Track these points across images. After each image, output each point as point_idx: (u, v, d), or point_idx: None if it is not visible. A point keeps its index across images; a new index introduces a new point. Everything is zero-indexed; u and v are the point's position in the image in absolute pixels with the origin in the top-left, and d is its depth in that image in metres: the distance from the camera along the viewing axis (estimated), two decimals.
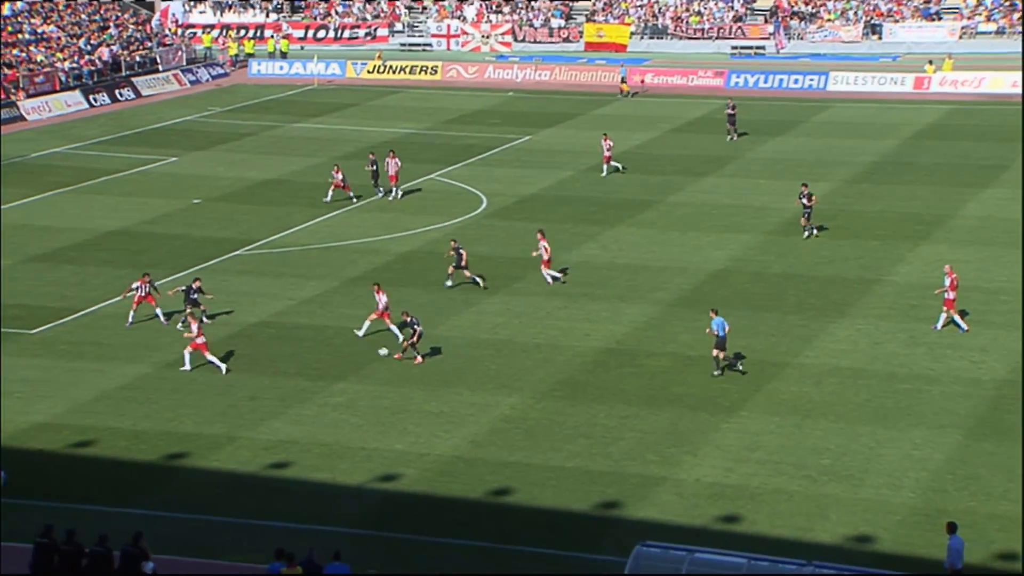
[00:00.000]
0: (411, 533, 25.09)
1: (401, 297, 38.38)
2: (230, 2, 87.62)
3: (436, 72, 77.27)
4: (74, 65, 70.30)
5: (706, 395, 31.17)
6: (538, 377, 32.32)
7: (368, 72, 77.78)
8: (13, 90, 65.60)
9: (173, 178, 52.56)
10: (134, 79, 71.97)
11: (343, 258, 42.26)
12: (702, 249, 42.49)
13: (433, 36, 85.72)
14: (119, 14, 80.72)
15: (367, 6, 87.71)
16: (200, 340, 32.30)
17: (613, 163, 52.30)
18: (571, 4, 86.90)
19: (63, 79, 68.61)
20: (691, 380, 32.06)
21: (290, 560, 21.99)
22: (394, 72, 77.55)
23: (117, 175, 52.98)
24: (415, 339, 32.92)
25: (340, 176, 48.05)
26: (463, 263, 38.59)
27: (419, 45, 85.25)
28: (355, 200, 47.45)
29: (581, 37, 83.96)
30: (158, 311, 35.85)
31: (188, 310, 34.53)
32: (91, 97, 68.26)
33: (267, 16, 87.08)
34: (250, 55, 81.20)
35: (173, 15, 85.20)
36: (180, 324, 35.15)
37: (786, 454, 28.05)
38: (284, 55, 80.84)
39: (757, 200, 48.69)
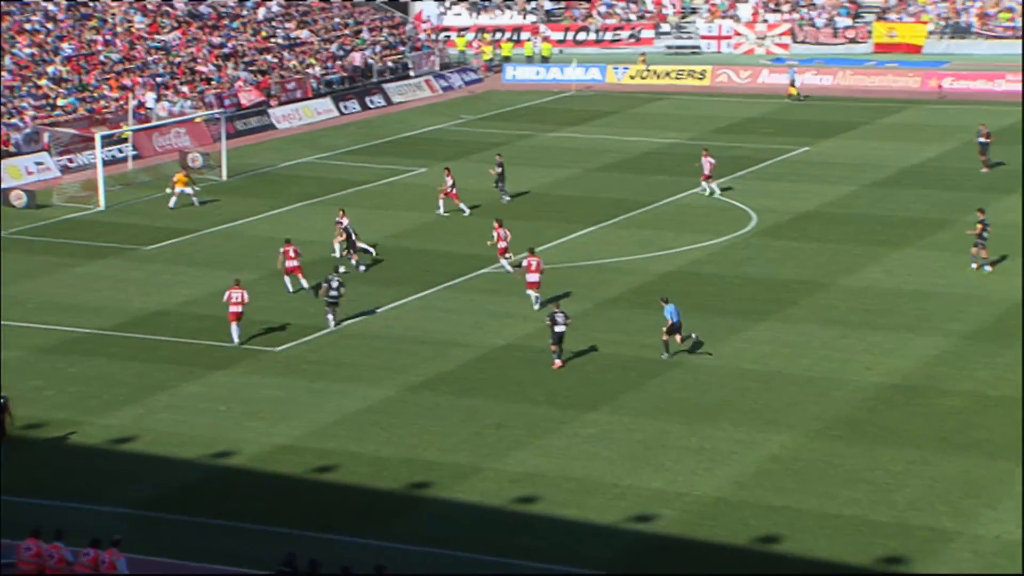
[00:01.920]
0: None
1: (658, 320, 38.32)
2: (486, 3, 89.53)
3: (704, 77, 76.88)
4: (325, 71, 73.31)
5: (1007, 440, 29.78)
6: (811, 414, 31.61)
7: (630, 77, 78.08)
8: (265, 98, 68.90)
9: (421, 190, 54.07)
10: (385, 85, 74.51)
11: (596, 278, 42.50)
12: (1008, 275, 40.69)
13: (703, 37, 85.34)
14: (373, 17, 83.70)
15: (631, 6, 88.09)
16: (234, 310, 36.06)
17: (711, 184, 51.23)
18: (859, 1, 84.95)
19: (314, 86, 71.65)
20: (990, 423, 30.70)
21: None
22: (658, 77, 77.58)
23: (364, 186, 54.90)
24: (556, 342, 34.30)
25: (345, 223, 43.33)
26: (352, 239, 41.82)
27: (687, 47, 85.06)
28: (356, 264, 42.34)
29: (870, 38, 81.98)
30: (303, 282, 39.79)
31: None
32: (341, 104, 71.02)
33: (524, 18, 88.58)
34: (506, 59, 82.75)
35: (427, 17, 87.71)
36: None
37: None
38: (545, 59, 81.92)
39: None
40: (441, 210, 49.54)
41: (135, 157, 59.55)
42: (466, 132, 66.21)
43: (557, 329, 34.68)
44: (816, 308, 38.53)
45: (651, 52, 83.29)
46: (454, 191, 49.63)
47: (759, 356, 35.30)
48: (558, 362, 34.77)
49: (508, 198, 51.15)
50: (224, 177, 56.41)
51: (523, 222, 49.19)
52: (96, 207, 51.39)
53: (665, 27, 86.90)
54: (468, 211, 49.34)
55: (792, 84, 71.68)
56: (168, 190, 51.66)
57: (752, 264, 43.26)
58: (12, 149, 57.11)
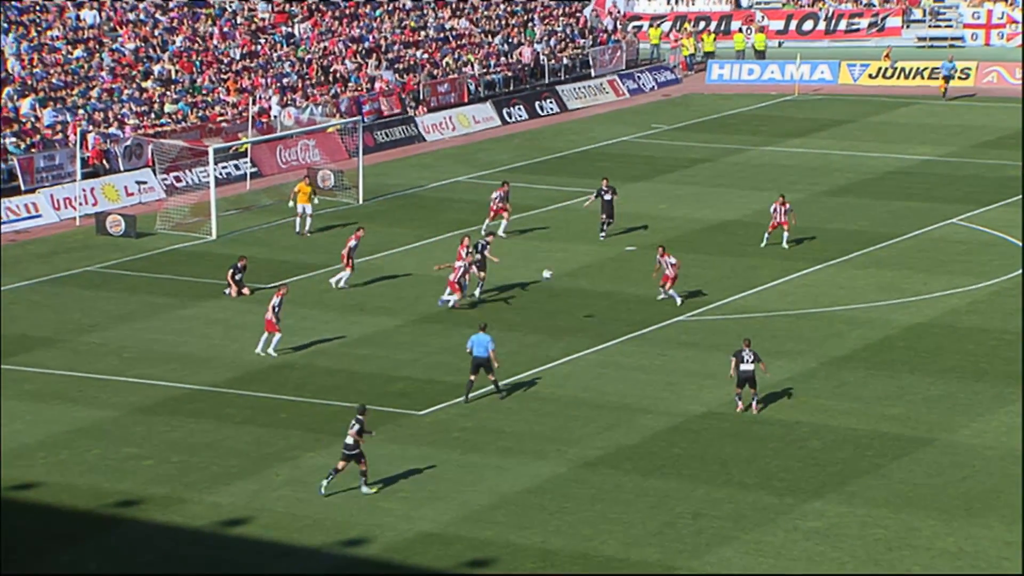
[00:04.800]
0: None
1: (904, 385, 37.72)
2: None
3: (968, 76, 75.84)
4: (486, 70, 74.18)
5: None
6: None
7: (870, 77, 77.36)
8: (412, 103, 69.99)
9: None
10: (559, 87, 75.10)
11: (824, 329, 42.08)
12: None
13: (965, 27, 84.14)
14: (546, 4, 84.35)
15: None
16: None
17: (782, 234, 49.02)
18: None
19: (472, 88, 72.56)
20: None
21: None
22: (907, 76, 76.71)
23: (531, 212, 55.23)
24: (740, 385, 36.11)
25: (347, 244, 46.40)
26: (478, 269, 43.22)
27: (945, 39, 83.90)
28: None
29: None
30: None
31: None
32: (504, 111, 71.78)
33: (736, 5, 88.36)
34: (710, 54, 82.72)
35: (612, 4, 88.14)
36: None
37: None
38: (761, 54, 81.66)
39: None
40: (500, 231, 50.27)
41: (254, 175, 61.00)
42: (659, 146, 66.23)
43: (744, 368, 35.75)
44: None
45: (897, 45, 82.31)
46: (504, 205, 50.60)
47: None
48: (741, 405, 36.09)
49: (604, 235, 50.96)
50: (360, 200, 57.38)
51: (731, 258, 48.95)
52: (207, 236, 52.75)
53: (917, 13, 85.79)
54: (506, 235, 50.09)
55: (945, 79, 70.85)
56: (291, 203, 52.75)
57: None
58: (109, 165, 58.99)
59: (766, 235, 49.34)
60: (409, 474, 33.51)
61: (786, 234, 49.12)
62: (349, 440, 32.27)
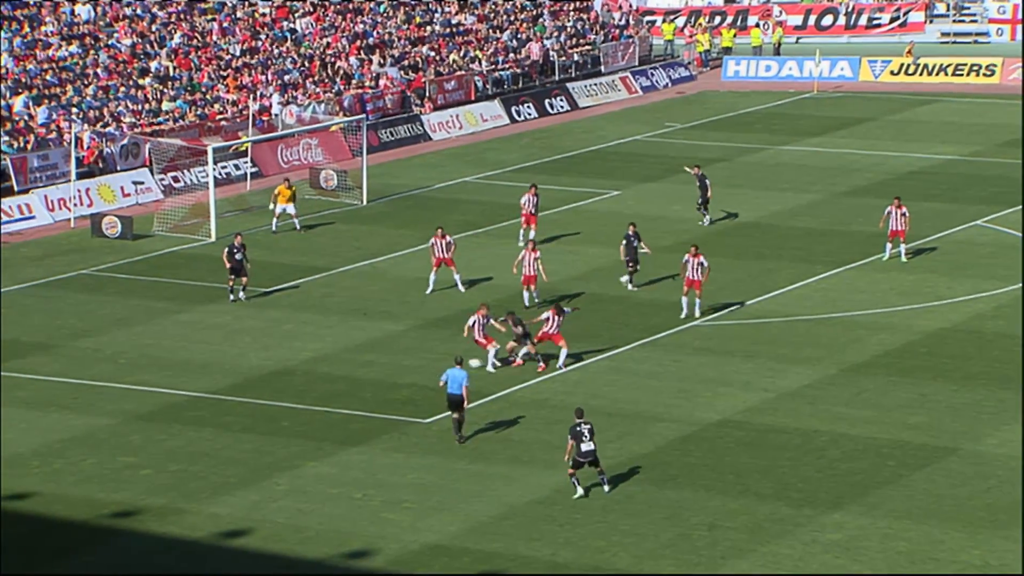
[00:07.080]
0: None
1: (926, 393, 37.70)
2: None
3: (993, 73, 75.84)
4: (494, 67, 74.27)
5: None
6: None
7: (892, 73, 77.36)
8: (418, 101, 70.08)
9: (613, 218, 54.22)
10: (569, 84, 75.17)
11: (844, 335, 42.07)
12: None
13: (991, 22, 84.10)
14: None
15: None
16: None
17: (901, 246, 47.69)
18: None
19: (480, 85, 72.62)
20: None
21: None
22: (930, 73, 76.71)
23: (541, 213, 55.24)
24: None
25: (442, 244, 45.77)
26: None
27: (969, 35, 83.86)
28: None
29: None
30: (457, 277, 45.16)
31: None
32: (513, 109, 71.85)
33: None
34: (727, 50, 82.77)
35: None
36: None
37: None
38: (777, 51, 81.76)
39: None
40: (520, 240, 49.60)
41: (255, 175, 61.09)
42: (673, 144, 66.25)
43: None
44: None
45: (920, 41, 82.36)
46: (534, 213, 50.03)
47: None
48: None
49: (708, 220, 52.17)
50: (364, 201, 57.46)
51: (749, 261, 48.96)
52: (206, 238, 52.82)
53: (940, 8, 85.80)
54: (523, 242, 49.04)
55: None
56: (271, 206, 52.97)
57: None
58: (105, 165, 59.07)
59: (888, 245, 47.89)
60: (414, 484, 33.55)
61: (904, 245, 47.78)
62: (589, 447, 32.01)
